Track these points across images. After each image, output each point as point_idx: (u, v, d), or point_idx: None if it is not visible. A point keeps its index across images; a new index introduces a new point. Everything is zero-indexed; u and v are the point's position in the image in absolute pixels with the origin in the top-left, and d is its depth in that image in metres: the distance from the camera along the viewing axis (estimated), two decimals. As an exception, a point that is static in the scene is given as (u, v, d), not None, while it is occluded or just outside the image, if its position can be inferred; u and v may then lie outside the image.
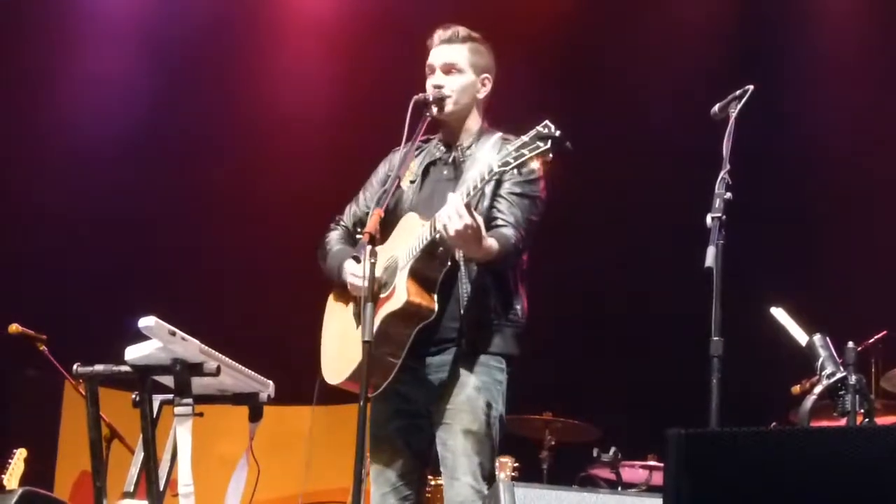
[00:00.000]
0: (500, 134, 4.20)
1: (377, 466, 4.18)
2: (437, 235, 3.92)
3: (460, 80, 4.25)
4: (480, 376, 4.08)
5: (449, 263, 4.06)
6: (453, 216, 3.80)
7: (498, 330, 4.13)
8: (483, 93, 4.30)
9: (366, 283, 3.81)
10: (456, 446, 4.06)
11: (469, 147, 4.24)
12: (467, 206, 3.82)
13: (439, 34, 4.31)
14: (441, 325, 4.07)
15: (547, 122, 3.79)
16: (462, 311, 4.08)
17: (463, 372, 4.08)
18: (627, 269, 7.90)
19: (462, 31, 4.30)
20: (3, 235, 7.73)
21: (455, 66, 4.25)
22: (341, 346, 4.23)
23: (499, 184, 4.10)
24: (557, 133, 3.76)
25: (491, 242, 3.95)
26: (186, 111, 8.10)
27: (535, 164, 3.97)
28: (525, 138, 3.80)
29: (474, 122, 4.30)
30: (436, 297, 4.02)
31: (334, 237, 4.41)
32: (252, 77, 8.31)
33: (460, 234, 3.81)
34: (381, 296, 3.98)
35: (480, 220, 3.88)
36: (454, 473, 4.06)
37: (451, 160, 4.26)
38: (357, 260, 4.16)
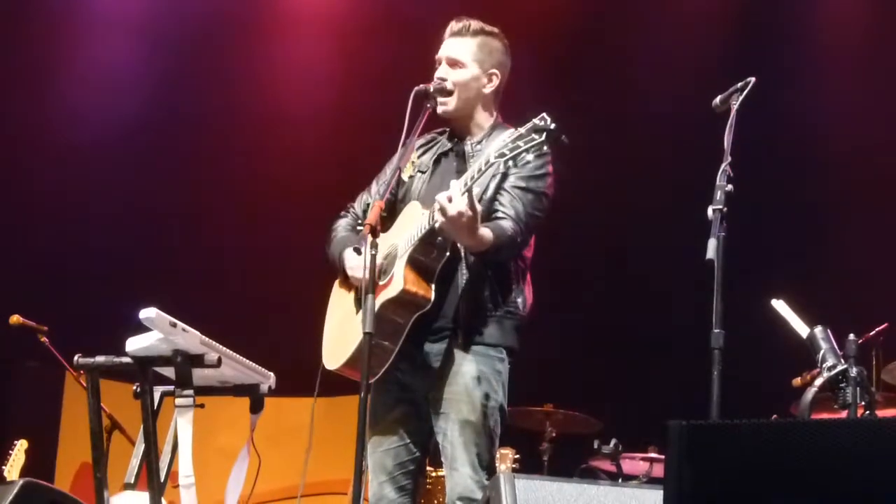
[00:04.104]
0: (512, 129, 4.07)
1: (375, 455, 4.17)
2: (436, 224, 3.91)
3: (462, 75, 4.23)
4: (479, 366, 4.07)
5: (448, 253, 4.04)
6: (446, 203, 3.79)
7: (496, 321, 4.10)
8: (489, 88, 4.25)
9: (367, 275, 3.80)
10: (454, 437, 4.06)
11: (480, 141, 4.22)
12: (468, 194, 3.81)
13: (451, 27, 4.29)
14: (439, 314, 4.06)
15: (544, 114, 3.78)
16: (459, 301, 4.07)
17: (460, 361, 4.07)
18: (629, 260, 7.91)
19: (474, 24, 4.27)
20: (4, 227, 7.73)
21: (458, 60, 4.23)
22: (341, 331, 4.22)
23: (504, 177, 4.08)
24: (553, 126, 3.75)
25: (484, 232, 3.92)
26: (188, 104, 8.10)
27: (544, 159, 3.98)
28: (521, 130, 3.80)
29: (484, 117, 4.27)
30: (433, 286, 4.01)
31: (342, 224, 4.40)
32: (254, 70, 8.31)
33: (453, 220, 3.80)
34: (380, 283, 3.98)
35: (479, 208, 3.87)
36: (453, 464, 4.07)
37: (461, 153, 4.24)
38: (358, 252, 4.15)
